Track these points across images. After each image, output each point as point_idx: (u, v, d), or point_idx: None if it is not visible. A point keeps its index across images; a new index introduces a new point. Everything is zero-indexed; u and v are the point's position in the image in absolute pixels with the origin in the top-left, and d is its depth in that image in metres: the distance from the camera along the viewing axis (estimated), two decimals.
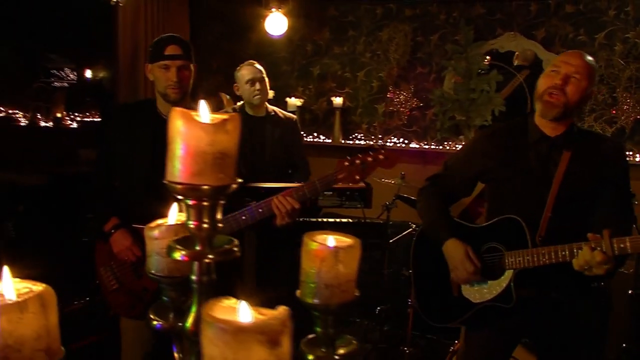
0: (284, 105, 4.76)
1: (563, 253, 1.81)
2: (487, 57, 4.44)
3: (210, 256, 0.79)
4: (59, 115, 6.38)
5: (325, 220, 3.68)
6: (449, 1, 4.57)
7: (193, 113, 0.73)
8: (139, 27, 4.12)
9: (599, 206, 1.93)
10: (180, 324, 0.88)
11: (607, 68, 4.18)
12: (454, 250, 2.01)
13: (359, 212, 3.75)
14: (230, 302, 0.66)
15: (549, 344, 2.06)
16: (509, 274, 1.97)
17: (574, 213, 1.91)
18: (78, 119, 6.34)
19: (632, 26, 4.11)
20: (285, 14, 4.55)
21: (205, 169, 0.73)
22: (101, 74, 6.43)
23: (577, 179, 1.94)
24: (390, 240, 3.62)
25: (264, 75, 3.29)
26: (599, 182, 1.94)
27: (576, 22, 4.26)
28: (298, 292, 0.86)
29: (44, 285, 0.64)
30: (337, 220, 3.73)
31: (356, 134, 4.99)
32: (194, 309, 0.83)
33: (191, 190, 0.74)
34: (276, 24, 4.51)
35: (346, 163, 2.05)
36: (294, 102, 4.79)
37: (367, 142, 4.93)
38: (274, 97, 4.69)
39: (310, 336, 0.86)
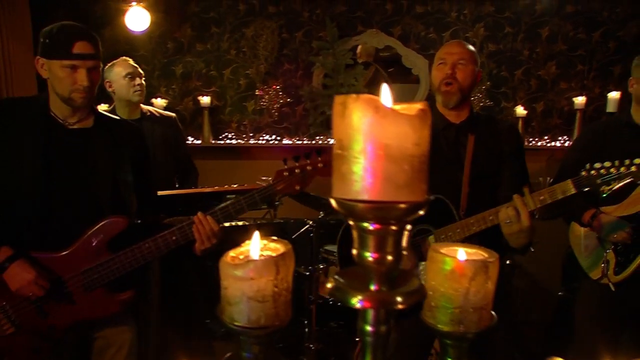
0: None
1: (491, 218, 1.95)
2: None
3: (399, 299, 0.56)
4: None
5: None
6: None
7: (381, 101, 0.51)
8: None
9: (503, 179, 2.14)
10: None
11: None
12: None
13: (261, 212, 3.70)
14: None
15: None
16: None
17: (486, 188, 2.07)
18: None
19: (470, 26, 4.68)
20: (146, 8, 4.20)
21: (412, 178, 0.50)
22: None
23: (483, 158, 2.14)
24: (293, 237, 3.61)
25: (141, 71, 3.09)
26: (501, 159, 2.15)
27: (426, 21, 4.69)
28: (430, 320, 0.73)
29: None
30: (234, 224, 3.60)
31: (226, 133, 4.85)
32: None
33: (382, 210, 0.51)
34: (137, 18, 4.14)
35: (285, 173, 1.91)
36: (161, 103, 4.46)
37: (239, 141, 4.83)
38: None
39: None
